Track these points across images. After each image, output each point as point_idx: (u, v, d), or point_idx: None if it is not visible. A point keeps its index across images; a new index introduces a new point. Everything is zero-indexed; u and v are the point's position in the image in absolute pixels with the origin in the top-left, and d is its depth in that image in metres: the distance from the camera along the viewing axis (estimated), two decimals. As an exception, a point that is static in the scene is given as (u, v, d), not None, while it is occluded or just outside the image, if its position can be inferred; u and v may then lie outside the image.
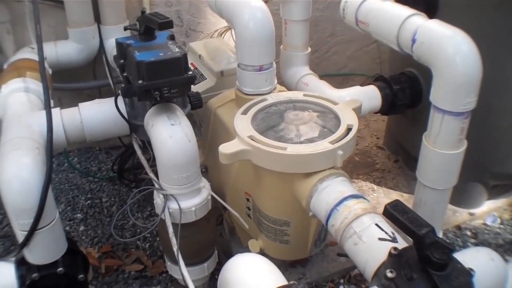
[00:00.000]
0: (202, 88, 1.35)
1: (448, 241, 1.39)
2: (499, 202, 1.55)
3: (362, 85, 1.42)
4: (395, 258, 0.71)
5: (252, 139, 0.97)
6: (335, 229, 0.85)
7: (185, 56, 0.95)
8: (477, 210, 1.53)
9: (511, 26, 1.22)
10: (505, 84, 1.29)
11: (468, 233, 1.46)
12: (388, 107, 1.41)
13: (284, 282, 0.75)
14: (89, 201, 1.61)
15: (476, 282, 0.68)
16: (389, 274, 0.68)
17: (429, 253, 0.66)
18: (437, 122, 1.06)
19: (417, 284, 0.67)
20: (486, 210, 1.53)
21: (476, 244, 1.42)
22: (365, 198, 0.89)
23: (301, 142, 0.98)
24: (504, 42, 1.24)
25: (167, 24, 0.94)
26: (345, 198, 0.87)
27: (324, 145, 0.94)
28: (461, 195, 1.46)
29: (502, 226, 1.49)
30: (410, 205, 1.22)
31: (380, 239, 0.78)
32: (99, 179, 1.71)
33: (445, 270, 0.67)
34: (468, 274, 0.68)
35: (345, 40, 2.05)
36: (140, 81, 0.93)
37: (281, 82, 1.42)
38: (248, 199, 1.15)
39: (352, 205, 0.86)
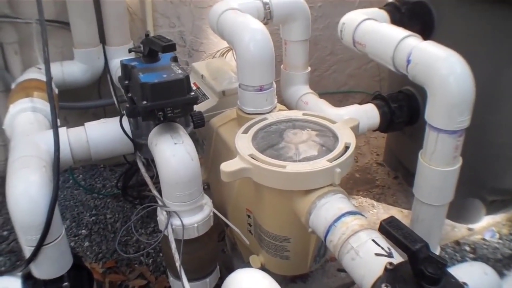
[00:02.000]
0: (205, 107, 1.37)
1: (446, 256, 1.41)
2: (497, 217, 1.57)
3: (361, 102, 1.44)
4: (391, 273, 0.73)
5: (252, 158, 0.99)
6: (333, 244, 0.87)
7: (187, 78, 0.98)
8: (476, 226, 1.54)
9: (505, 46, 1.25)
10: (500, 101, 1.31)
11: (467, 248, 1.48)
12: (386, 125, 1.43)
13: (283, 296, 0.77)
14: (93, 218, 1.63)
15: (469, 296, 0.69)
16: (384, 289, 0.70)
17: (422, 268, 0.68)
18: (432, 140, 1.09)
19: (412, 298, 0.69)
20: (485, 225, 1.54)
21: (475, 259, 1.42)
22: (362, 215, 0.91)
23: (300, 160, 1.00)
24: (498, 61, 1.27)
25: (170, 47, 0.97)
26: (343, 215, 0.89)
27: (322, 163, 0.96)
28: (459, 211, 1.48)
29: (500, 241, 1.50)
30: (409, 221, 1.24)
31: (377, 254, 0.80)
32: (104, 196, 1.73)
33: (438, 284, 0.68)
34: (461, 288, 0.70)
35: (344, 59, 2.08)
36: (144, 102, 0.95)
37: (282, 100, 1.44)
38: (249, 216, 1.17)
39: (349, 221, 0.87)
